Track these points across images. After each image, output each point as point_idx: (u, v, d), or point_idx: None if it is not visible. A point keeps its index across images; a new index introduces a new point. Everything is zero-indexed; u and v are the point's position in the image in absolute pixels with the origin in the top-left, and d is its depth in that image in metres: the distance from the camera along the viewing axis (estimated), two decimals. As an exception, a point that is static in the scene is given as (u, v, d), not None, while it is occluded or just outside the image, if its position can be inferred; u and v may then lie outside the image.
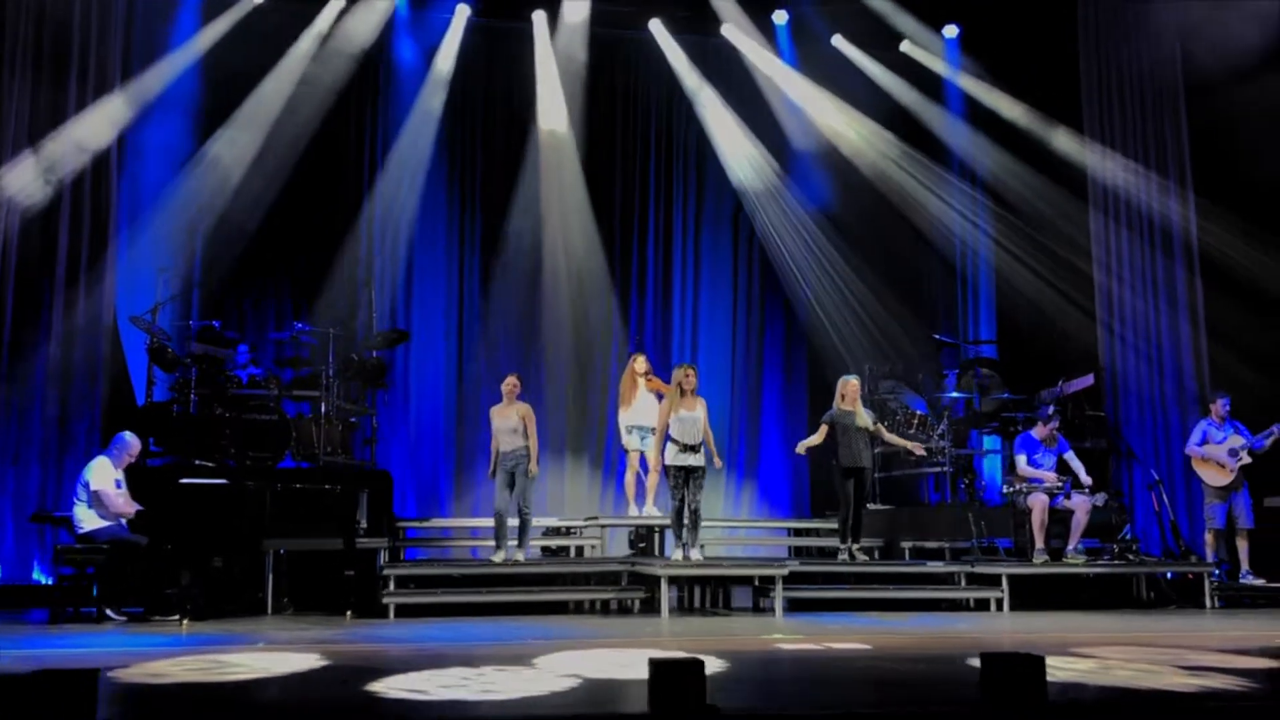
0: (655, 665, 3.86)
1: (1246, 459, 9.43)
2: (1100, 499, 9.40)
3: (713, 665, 5.09)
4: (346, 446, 10.67)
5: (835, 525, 11.16)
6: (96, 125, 10.39)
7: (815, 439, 9.39)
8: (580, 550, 10.76)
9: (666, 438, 9.07)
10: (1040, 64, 12.38)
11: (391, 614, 8.20)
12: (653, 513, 10.26)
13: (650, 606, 8.68)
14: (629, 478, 10.41)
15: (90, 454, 9.47)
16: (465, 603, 8.41)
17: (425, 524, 11.13)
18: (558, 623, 7.88)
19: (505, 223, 12.89)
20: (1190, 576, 9.56)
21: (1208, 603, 9.10)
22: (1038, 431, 9.54)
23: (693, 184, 13.88)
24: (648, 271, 13.66)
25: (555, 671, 4.99)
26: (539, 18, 12.74)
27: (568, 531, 11.06)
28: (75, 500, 8.17)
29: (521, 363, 13.16)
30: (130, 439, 8.43)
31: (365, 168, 12.26)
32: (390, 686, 4.58)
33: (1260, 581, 9.36)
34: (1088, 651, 5.67)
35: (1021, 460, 9.54)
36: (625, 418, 10.40)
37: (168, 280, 10.80)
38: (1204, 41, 11.21)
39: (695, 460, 8.97)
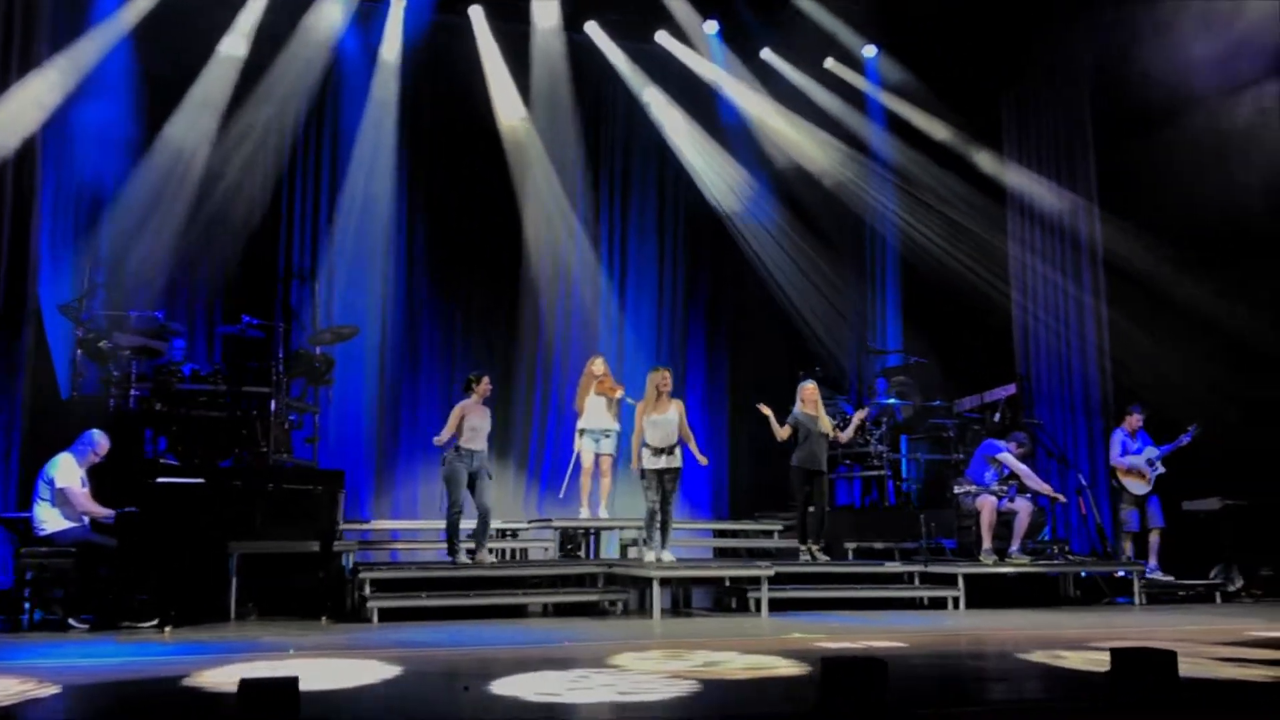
0: (828, 664, 3.96)
1: (1161, 468, 10.16)
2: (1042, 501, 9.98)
3: (796, 667, 5.22)
4: (289, 445, 10.32)
5: (762, 527, 11.56)
6: (21, 105, 9.71)
7: (783, 433, 9.58)
8: (525, 552, 10.76)
9: (641, 441, 9.16)
10: (961, 85, 12.93)
11: (375, 618, 8.00)
12: (604, 516, 10.33)
13: (626, 608, 8.77)
14: (583, 480, 10.41)
15: (10, 452, 8.93)
16: (449, 606, 8.28)
17: (370, 526, 10.85)
18: (562, 626, 7.85)
19: (437, 221, 12.72)
20: (1115, 575, 10.22)
21: (1137, 599, 9.74)
22: (1014, 453, 9.97)
23: (618, 187, 13.99)
24: (574, 273, 13.66)
25: (655, 672, 5.02)
26: (476, 12, 12.62)
27: (513, 534, 11.01)
28: (36, 500, 7.66)
29: (447, 362, 13.07)
30: (99, 437, 7.98)
31: (304, 159, 11.88)
32: (513, 689, 4.53)
33: (1170, 578, 10.11)
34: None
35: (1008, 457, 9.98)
36: (580, 420, 10.41)
37: (96, 269, 10.23)
38: (1114, 67, 11.98)
39: (669, 463, 9.09)
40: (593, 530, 10.41)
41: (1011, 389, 11.78)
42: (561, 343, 13.59)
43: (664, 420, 9.12)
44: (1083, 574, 10.24)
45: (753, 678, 4.98)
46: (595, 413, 10.34)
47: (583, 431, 10.32)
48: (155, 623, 7.56)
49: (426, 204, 12.79)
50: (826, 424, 9.69)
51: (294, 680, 3.38)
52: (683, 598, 9.54)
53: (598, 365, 10.50)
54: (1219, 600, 9.87)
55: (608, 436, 10.37)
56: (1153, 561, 10.15)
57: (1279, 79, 10.70)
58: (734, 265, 14.08)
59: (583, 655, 5.78)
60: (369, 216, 12.30)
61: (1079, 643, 6.24)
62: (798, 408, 9.73)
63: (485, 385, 9.18)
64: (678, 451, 9.16)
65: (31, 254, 9.90)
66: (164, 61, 10.68)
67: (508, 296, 13.20)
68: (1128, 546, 10.30)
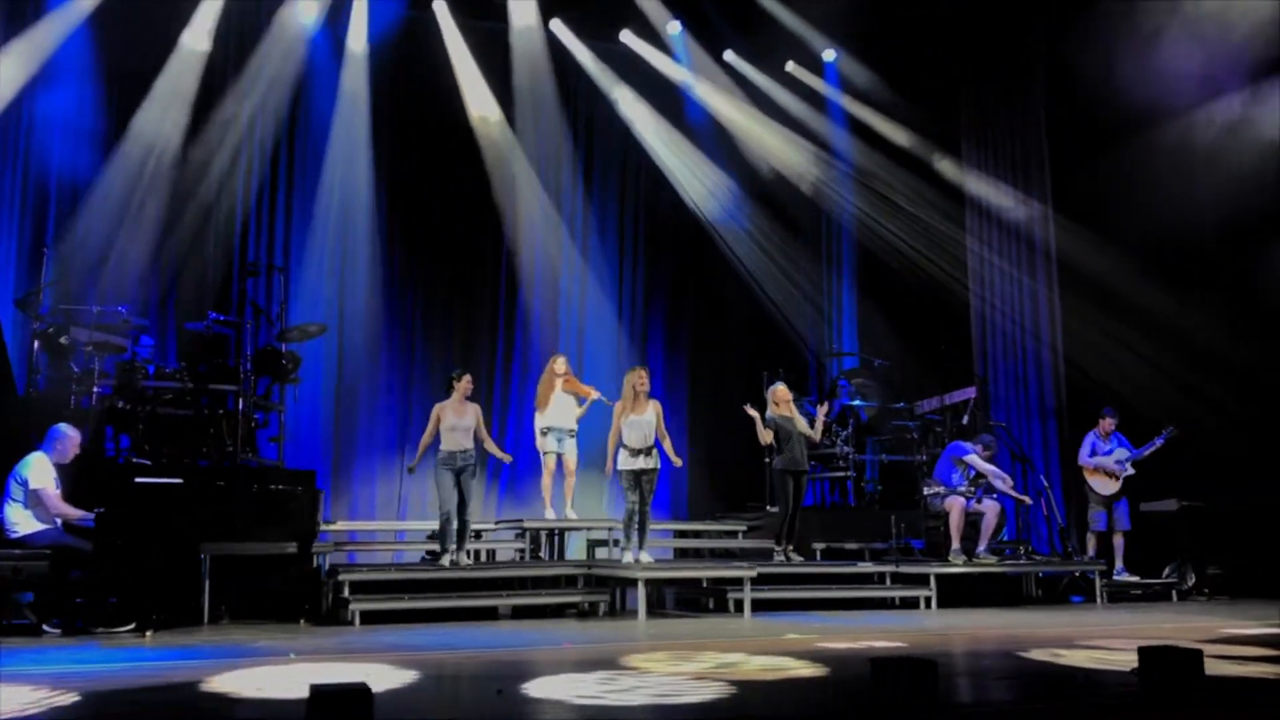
0: (878, 664, 4.00)
1: (1130, 470, 10.42)
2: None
3: (812, 668, 5.27)
4: (254, 444, 10.13)
5: (725, 528, 11.63)
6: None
7: (766, 437, 9.63)
8: (493, 553, 10.68)
9: (619, 443, 9.14)
10: (921, 91, 13.15)
11: (356, 620, 7.89)
12: (570, 516, 10.29)
13: (608, 609, 8.77)
14: (545, 480, 10.35)
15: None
16: (431, 609, 8.20)
17: (331, 527, 10.66)
18: (552, 628, 7.83)
19: (399, 219, 12.57)
20: (1076, 574, 10.47)
21: (1098, 598, 9.98)
22: (980, 455, 10.16)
23: (580, 185, 13.94)
24: (536, 273, 13.59)
25: (676, 674, 5.03)
26: (440, 8, 12.51)
27: (478, 535, 10.92)
28: (7, 500, 7.40)
29: (405, 361, 12.93)
30: (68, 430, 7.73)
31: (273, 153, 11.64)
32: (549, 692, 4.50)
33: (1135, 578, 10.39)
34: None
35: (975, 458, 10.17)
36: (542, 420, 10.33)
37: (53, 262, 9.93)
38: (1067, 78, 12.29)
39: (646, 464, 9.09)
40: (555, 531, 10.37)
41: (972, 392, 11.99)
42: (522, 342, 13.53)
43: (642, 421, 9.10)
44: (1041, 574, 10.45)
45: (776, 679, 5.01)
46: (560, 411, 10.28)
47: (546, 431, 10.25)
48: (132, 627, 7.37)
49: (389, 202, 12.61)
50: (803, 424, 9.76)
51: (365, 687, 3.31)
52: (656, 598, 9.55)
53: (559, 364, 10.44)
54: (1175, 599, 10.16)
55: (572, 436, 10.33)
56: (1119, 564, 10.40)
57: (1230, 94, 11.04)
58: (694, 265, 14.14)
59: (593, 657, 5.76)
60: (331, 212, 12.12)
61: (1069, 641, 6.39)
62: (771, 411, 9.79)
63: (466, 383, 9.09)
64: (655, 452, 9.16)
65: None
66: (124, 52, 10.44)
67: (467, 296, 13.11)
68: (1091, 546, 10.53)
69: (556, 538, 10.45)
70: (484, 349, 13.32)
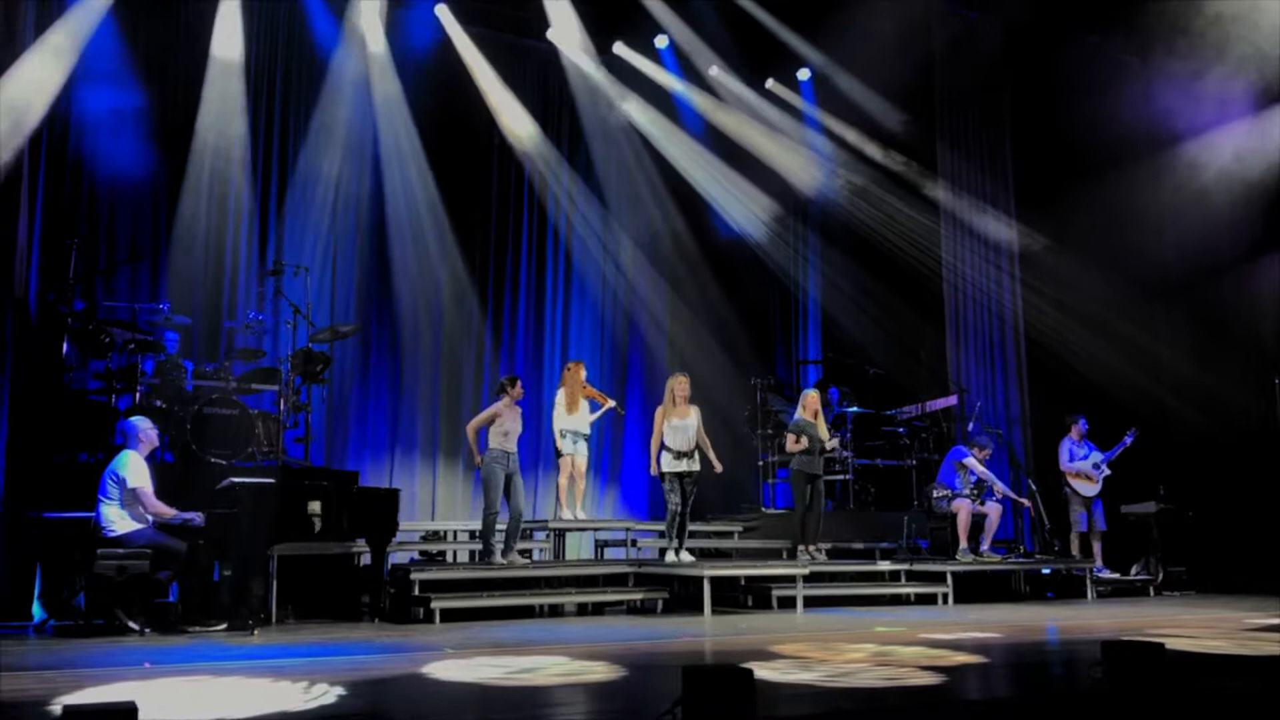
0: (1109, 648, 4.53)
1: (1107, 471, 11.30)
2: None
3: (969, 656, 5.78)
4: (281, 444, 10.14)
5: (719, 529, 12.10)
6: (24, 88, 9.25)
7: (795, 444, 10.09)
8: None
9: (661, 445, 9.52)
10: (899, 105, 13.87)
11: (436, 619, 8.06)
12: (580, 516, 10.62)
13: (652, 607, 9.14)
14: (562, 481, 10.65)
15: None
16: (500, 606, 8.44)
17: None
18: (639, 624, 8.12)
19: (391, 220, 12.61)
20: (1064, 571, 11.30)
21: (1089, 594, 10.81)
22: (977, 455, 10.86)
23: (564, 198, 14.18)
24: (520, 279, 13.81)
25: (861, 661, 5.46)
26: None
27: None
28: (104, 499, 7.35)
29: (395, 363, 12.97)
30: (146, 424, 7.70)
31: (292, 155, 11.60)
32: (782, 676, 4.88)
33: (1116, 575, 11.28)
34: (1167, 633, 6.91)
35: (973, 463, 10.87)
36: (563, 423, 10.63)
37: (78, 254, 9.75)
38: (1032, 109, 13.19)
39: (689, 466, 9.50)
40: (558, 531, 10.67)
41: (954, 400, 12.74)
42: (508, 344, 13.74)
43: (684, 425, 9.52)
44: (1044, 571, 11.24)
45: (960, 664, 5.47)
46: (577, 415, 10.61)
47: (564, 433, 10.55)
48: (224, 626, 7.44)
49: (383, 204, 12.62)
50: (824, 431, 10.29)
51: (748, 671, 3.66)
52: (695, 595, 9.88)
53: (582, 370, 10.78)
54: (1153, 594, 11.06)
55: (584, 439, 10.68)
56: (1099, 562, 11.26)
57: (1193, 134, 12.06)
58: (673, 269, 14.53)
59: (744, 648, 6.14)
60: (324, 212, 12.10)
61: (1144, 630, 7.06)
62: (799, 415, 10.29)
63: (519, 389, 9.33)
64: (696, 455, 9.58)
65: (19, 240, 9.42)
66: (155, 44, 10.29)
67: (453, 295, 13.21)
68: (1075, 545, 11.37)
69: (560, 538, 10.74)
70: (471, 350, 13.45)
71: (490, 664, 5.56)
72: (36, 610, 8.14)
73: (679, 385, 9.66)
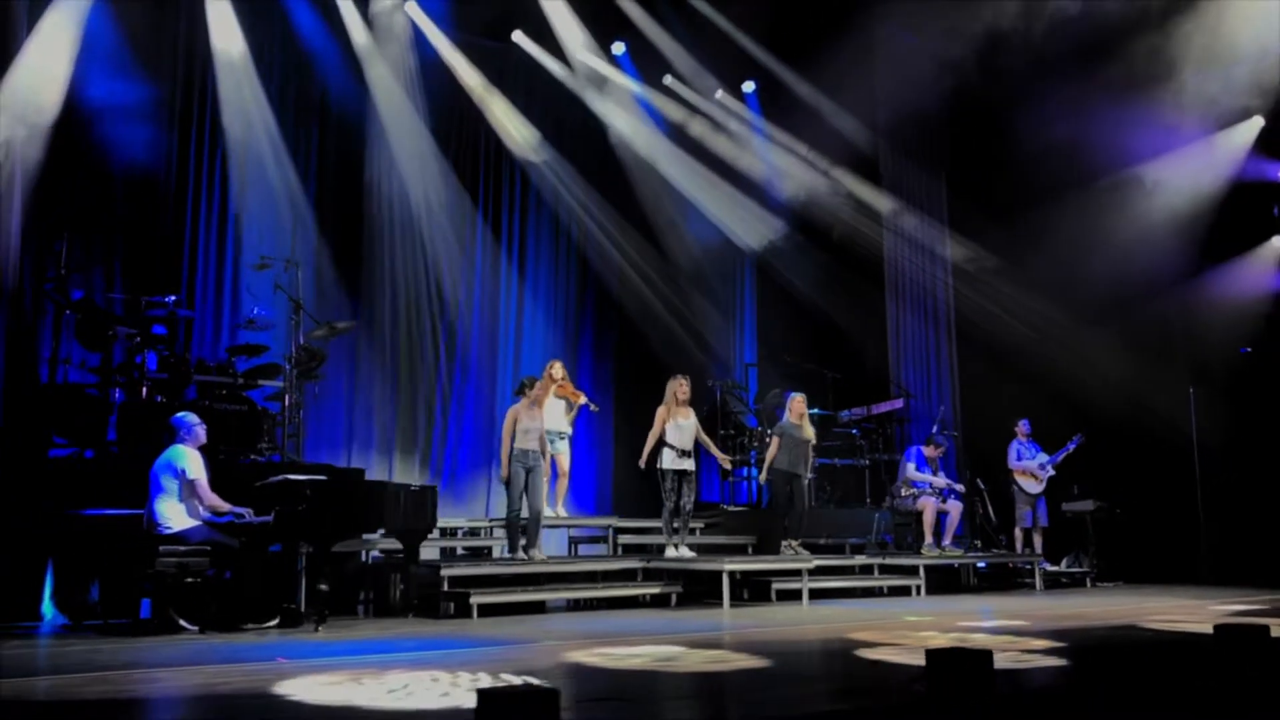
0: (1220, 630, 5.13)
1: (1052, 471, 12.19)
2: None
3: (1047, 641, 6.35)
4: (275, 441, 10.05)
5: (654, 524, 12.49)
6: (36, 79, 8.97)
7: (772, 450, 10.56)
8: (490, 550, 11.09)
9: (662, 444, 9.86)
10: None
11: (475, 613, 8.21)
12: (561, 514, 10.88)
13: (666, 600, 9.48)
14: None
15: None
16: (532, 600, 8.66)
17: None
18: (674, 617, 8.44)
19: (340, 219, 12.57)
20: (1011, 565, 12.16)
21: (1038, 585, 11.66)
22: (929, 451, 11.57)
23: (517, 200, 14.35)
24: (475, 279, 13.92)
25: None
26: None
27: (479, 533, 11.31)
28: (160, 494, 7.24)
29: (350, 361, 12.93)
30: (195, 419, 7.61)
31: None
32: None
33: (1057, 568, 12.19)
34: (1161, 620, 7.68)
35: (911, 468, 11.54)
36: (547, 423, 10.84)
37: (64, 246, 9.47)
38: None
39: (689, 464, 9.90)
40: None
41: (899, 403, 13.48)
42: (462, 343, 13.84)
43: (687, 425, 9.90)
44: (1010, 565, 12.06)
45: (1047, 648, 6.02)
46: (553, 415, 10.82)
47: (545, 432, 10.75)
48: (277, 622, 7.45)
49: (330, 199, 12.56)
50: (810, 432, 10.78)
51: (988, 652, 4.06)
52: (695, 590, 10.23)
53: (557, 369, 10.97)
54: (1089, 585, 12.00)
55: (563, 438, 10.92)
56: (1041, 556, 12.15)
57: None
58: (618, 274, 14.85)
59: (826, 634, 6.57)
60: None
61: (1146, 617, 7.80)
62: (786, 417, 10.76)
63: (539, 388, 9.53)
64: (694, 454, 9.98)
65: (11, 231, 9.10)
66: (151, 33, 10.07)
67: (408, 296, 13.24)
68: (1019, 541, 12.22)
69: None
70: (428, 348, 13.50)
71: (629, 653, 5.81)
72: (48, 610, 7.96)
73: (680, 387, 10.01)
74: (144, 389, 9.00)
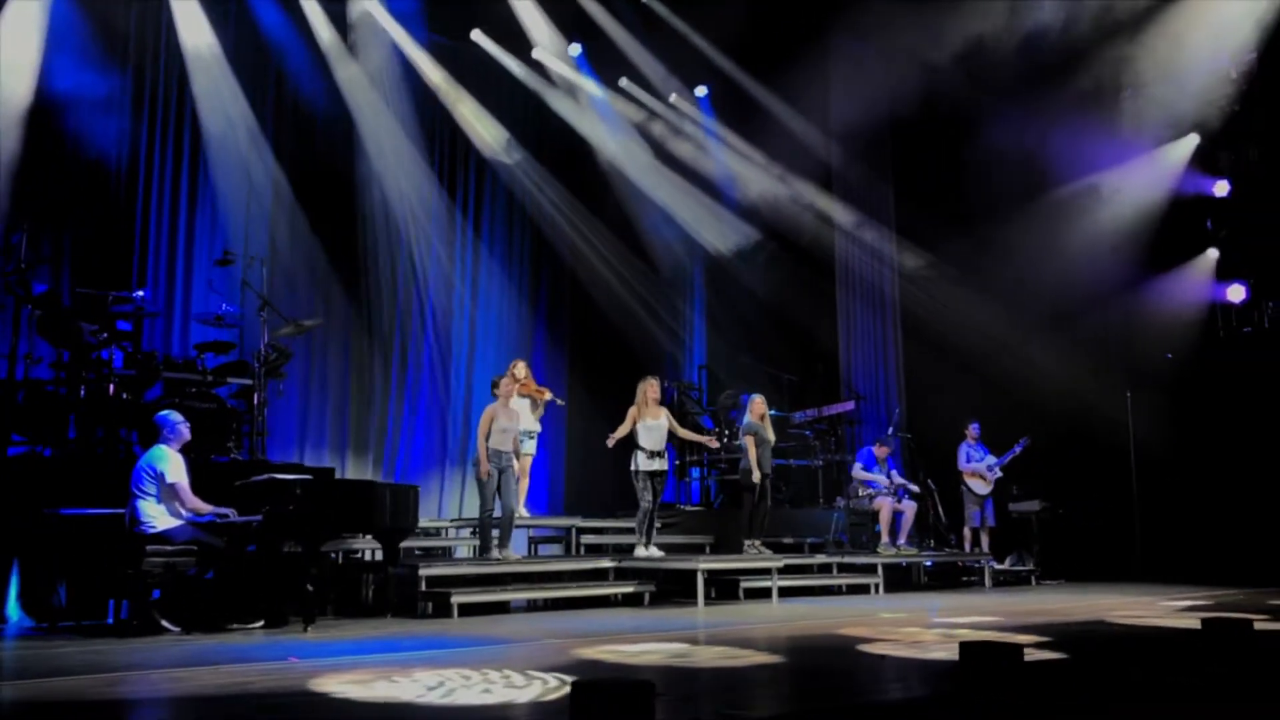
0: (1208, 624, 5.41)
1: (1000, 473, 12.57)
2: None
3: (1031, 637, 6.59)
4: (239, 440, 9.93)
5: (627, 525, 12.64)
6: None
7: (753, 451, 10.70)
8: (451, 550, 11.12)
9: (634, 446, 9.97)
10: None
11: (455, 613, 8.23)
12: (523, 514, 10.92)
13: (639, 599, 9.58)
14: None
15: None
16: (510, 599, 8.71)
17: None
18: (658, 616, 8.53)
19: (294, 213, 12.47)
20: (961, 564, 12.51)
21: (986, 583, 12.01)
22: (877, 450, 11.86)
23: (472, 197, 14.36)
24: (430, 278, 13.91)
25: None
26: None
27: (438, 532, 11.32)
28: (141, 494, 7.13)
29: (304, 357, 12.84)
30: (179, 418, 7.50)
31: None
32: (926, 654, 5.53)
33: (1003, 566, 12.56)
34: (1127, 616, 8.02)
35: (858, 468, 11.84)
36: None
37: (21, 239, 9.26)
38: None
39: (660, 465, 10.02)
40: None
41: (850, 405, 13.77)
42: (415, 342, 13.81)
43: (657, 425, 10.01)
44: (928, 564, 12.38)
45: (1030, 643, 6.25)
46: (520, 415, 10.88)
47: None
48: (261, 624, 7.39)
49: (294, 195, 12.45)
50: (770, 432, 10.98)
51: (1018, 647, 4.24)
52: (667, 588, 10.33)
53: (520, 368, 11.02)
54: (1034, 583, 12.39)
55: (532, 437, 10.97)
56: (990, 555, 12.52)
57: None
58: (571, 273, 14.94)
59: (821, 629, 6.74)
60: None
61: (1114, 610, 8.12)
62: (749, 418, 10.93)
63: (505, 386, 9.57)
64: (665, 455, 10.10)
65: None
66: (119, 27, 9.90)
67: (360, 292, 13.18)
68: (968, 540, 12.57)
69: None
70: (378, 344, 13.46)
71: (638, 650, 5.91)
72: (13, 612, 7.79)
73: (650, 387, 10.11)
74: (110, 386, 8.83)
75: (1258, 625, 5.49)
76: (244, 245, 11.56)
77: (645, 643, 6.34)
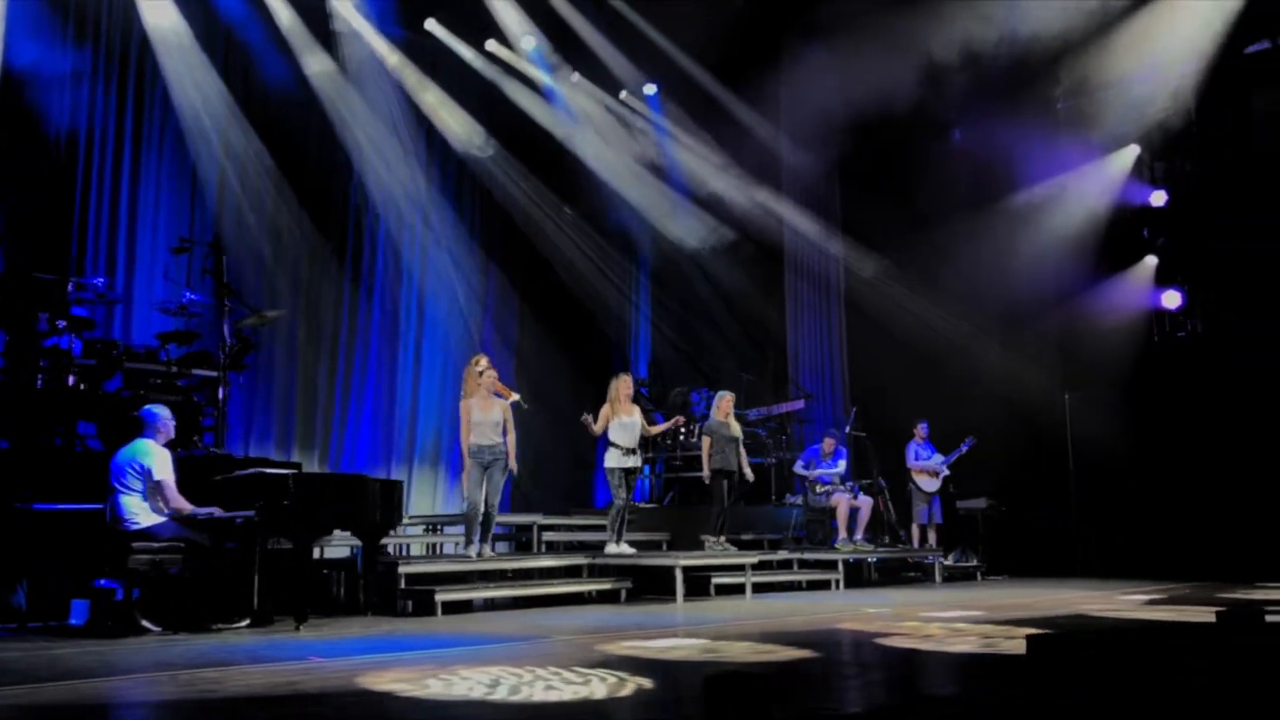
0: (1224, 616, 5.59)
1: (948, 471, 12.82)
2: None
3: (1014, 633, 6.73)
4: (200, 433, 9.62)
5: (587, 522, 12.61)
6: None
7: (706, 449, 10.72)
8: (407, 548, 10.98)
9: (608, 442, 9.92)
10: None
11: (439, 611, 8.07)
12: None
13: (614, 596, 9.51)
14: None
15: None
16: (496, 597, 8.58)
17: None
18: (642, 612, 8.46)
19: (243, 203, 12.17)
20: (910, 560, 12.72)
21: (936, 578, 12.24)
22: (825, 446, 12.02)
23: (422, 186, 14.17)
24: (377, 267, 13.73)
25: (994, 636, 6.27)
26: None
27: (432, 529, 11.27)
28: (123, 489, 6.84)
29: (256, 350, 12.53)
30: (166, 414, 7.22)
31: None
32: (938, 647, 5.60)
33: (951, 562, 12.81)
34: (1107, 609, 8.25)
35: (800, 465, 12.01)
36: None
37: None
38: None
39: (635, 462, 10.00)
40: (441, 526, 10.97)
41: (800, 404, 13.90)
42: (362, 333, 13.61)
43: (631, 423, 9.98)
44: (911, 560, 12.58)
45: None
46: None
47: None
48: (247, 622, 7.16)
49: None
50: (737, 429, 11.00)
51: (1080, 637, 4.32)
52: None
53: (482, 363, 10.88)
54: (979, 579, 12.67)
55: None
56: (940, 551, 12.75)
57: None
58: (527, 269, 14.84)
59: (813, 627, 6.78)
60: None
61: (1078, 605, 8.34)
62: (713, 416, 10.95)
63: (487, 379, 9.42)
64: (639, 452, 10.08)
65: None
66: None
67: (312, 284, 12.93)
68: (915, 536, 12.80)
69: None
70: (326, 339, 13.23)
71: (662, 645, 5.86)
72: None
73: (624, 384, 10.09)
74: (70, 376, 8.45)
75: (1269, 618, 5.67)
76: (192, 231, 11.27)
77: (660, 639, 6.30)
